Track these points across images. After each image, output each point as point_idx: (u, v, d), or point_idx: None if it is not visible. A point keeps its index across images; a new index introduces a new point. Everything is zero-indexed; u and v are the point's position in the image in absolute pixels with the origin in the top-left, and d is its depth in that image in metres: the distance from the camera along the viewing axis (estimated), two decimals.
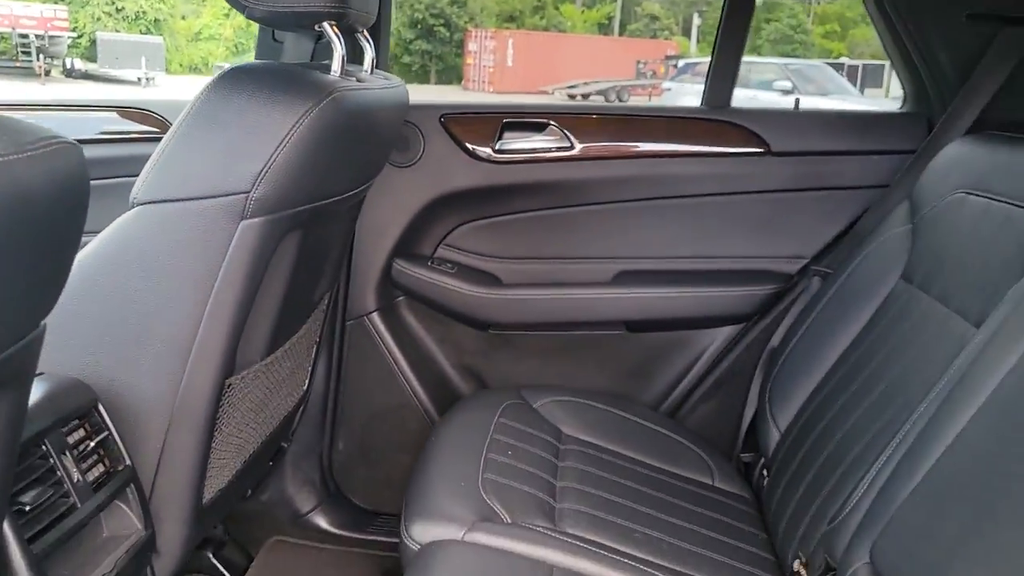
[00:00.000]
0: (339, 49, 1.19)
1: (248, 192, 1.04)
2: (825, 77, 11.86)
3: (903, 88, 1.89)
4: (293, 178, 1.07)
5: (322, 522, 1.82)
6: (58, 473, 0.95)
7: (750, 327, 1.84)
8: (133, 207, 1.07)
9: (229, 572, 1.68)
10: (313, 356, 1.65)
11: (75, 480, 0.97)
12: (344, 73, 1.21)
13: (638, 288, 1.81)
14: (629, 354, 1.86)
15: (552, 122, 1.78)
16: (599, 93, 17.85)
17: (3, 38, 15.37)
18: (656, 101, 14.61)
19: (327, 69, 1.20)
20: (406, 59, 23.40)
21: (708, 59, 1.85)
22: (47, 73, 15.23)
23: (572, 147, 1.77)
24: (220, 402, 1.16)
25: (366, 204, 1.68)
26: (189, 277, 1.07)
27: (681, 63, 16.19)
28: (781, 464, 1.45)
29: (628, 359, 1.86)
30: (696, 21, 26.06)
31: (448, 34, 23.90)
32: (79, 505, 0.97)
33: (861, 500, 1.11)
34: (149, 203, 1.06)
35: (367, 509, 1.88)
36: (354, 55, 1.30)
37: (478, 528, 1.20)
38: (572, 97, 17.45)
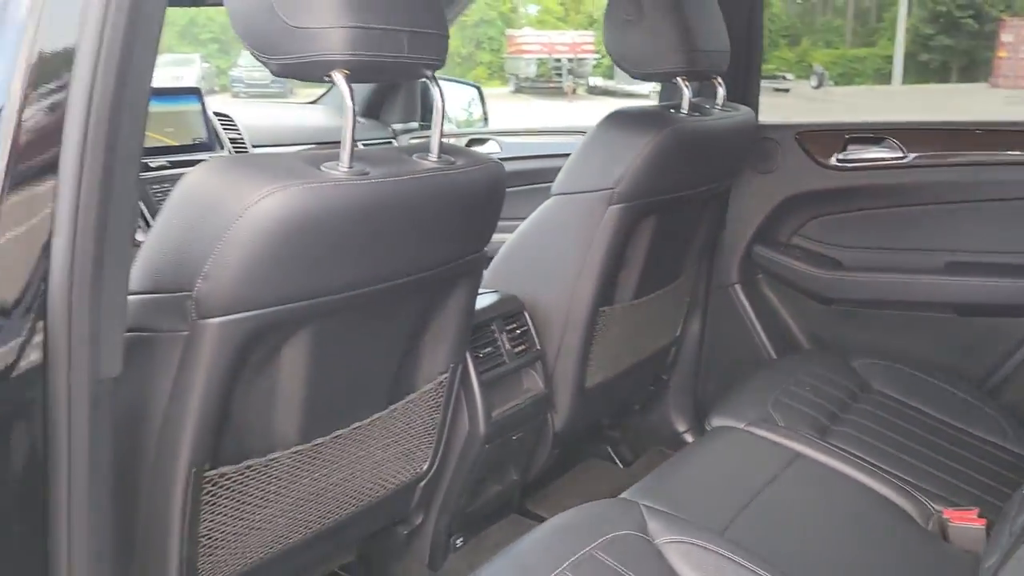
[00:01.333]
0: (686, 93, 1.78)
1: (613, 188, 1.70)
2: None
3: None
4: (643, 179, 1.70)
5: (691, 440, 2.40)
6: (498, 342, 1.72)
7: None
8: (551, 197, 1.80)
9: (620, 462, 2.37)
10: (684, 313, 2.24)
11: (507, 348, 1.72)
12: (691, 109, 1.79)
13: (967, 277, 2.06)
14: (957, 335, 2.11)
15: (889, 136, 2.12)
16: None
17: (541, 63, 18.36)
18: None
19: (679, 108, 1.79)
20: (923, 56, 21.91)
21: None
22: (574, 91, 17.80)
23: (905, 157, 2.10)
24: (596, 323, 1.83)
25: (733, 200, 2.23)
26: (577, 239, 1.76)
27: None
28: None
29: (956, 339, 2.12)
30: None
31: (977, 26, 21.72)
32: (507, 362, 1.72)
33: None
34: (559, 194, 1.78)
35: None
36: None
37: (755, 424, 1.69)
38: None
